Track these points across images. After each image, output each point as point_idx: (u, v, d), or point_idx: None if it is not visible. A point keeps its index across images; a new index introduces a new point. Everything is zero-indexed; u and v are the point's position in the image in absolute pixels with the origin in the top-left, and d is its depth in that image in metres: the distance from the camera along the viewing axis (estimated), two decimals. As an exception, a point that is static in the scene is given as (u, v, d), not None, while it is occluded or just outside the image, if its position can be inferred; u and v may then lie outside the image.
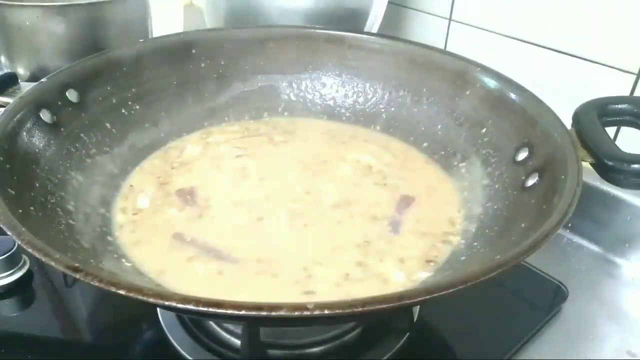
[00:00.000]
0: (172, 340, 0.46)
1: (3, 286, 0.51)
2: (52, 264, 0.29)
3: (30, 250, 0.30)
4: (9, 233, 0.32)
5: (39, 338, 0.49)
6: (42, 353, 0.47)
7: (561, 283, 0.54)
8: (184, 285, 0.40)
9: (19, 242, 0.31)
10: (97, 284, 0.28)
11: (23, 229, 0.32)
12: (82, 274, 0.28)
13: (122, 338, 0.49)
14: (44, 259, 0.29)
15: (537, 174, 0.44)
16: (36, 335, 0.49)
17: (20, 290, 0.52)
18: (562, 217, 0.34)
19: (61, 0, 0.69)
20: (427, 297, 0.26)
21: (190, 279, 0.41)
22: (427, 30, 0.78)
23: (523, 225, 0.40)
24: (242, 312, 0.26)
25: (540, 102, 0.48)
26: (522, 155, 0.47)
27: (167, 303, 0.27)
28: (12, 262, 0.52)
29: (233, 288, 0.40)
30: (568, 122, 0.46)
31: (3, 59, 0.72)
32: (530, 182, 0.44)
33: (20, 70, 0.71)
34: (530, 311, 0.52)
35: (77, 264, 0.29)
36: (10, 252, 0.51)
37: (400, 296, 0.26)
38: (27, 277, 0.53)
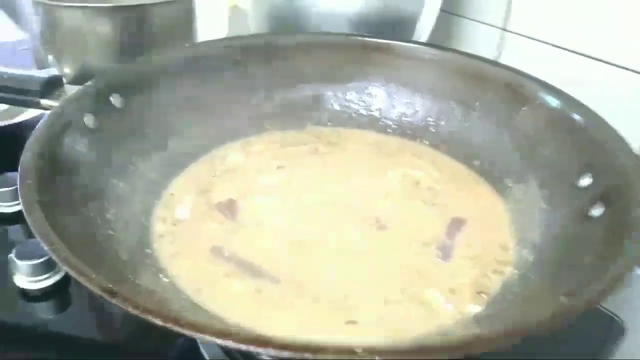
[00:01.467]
0: (203, 351, 0.44)
1: (40, 289, 0.51)
2: (87, 285, 0.28)
3: (65, 268, 0.29)
4: (45, 247, 0.31)
5: (74, 340, 0.48)
6: (77, 354, 0.46)
7: (617, 316, 0.50)
8: (222, 304, 0.38)
9: (55, 259, 0.30)
10: (133, 310, 0.26)
11: (61, 244, 0.31)
12: (118, 299, 0.27)
13: (155, 343, 0.47)
14: (79, 279, 0.28)
15: (602, 204, 0.41)
16: (72, 337, 0.48)
17: (57, 293, 0.52)
18: (634, 261, 0.31)
19: (109, 1, 0.68)
20: (493, 345, 0.24)
21: (228, 297, 0.39)
22: (479, 40, 0.75)
23: (587, 261, 0.36)
24: (286, 353, 0.24)
25: (605, 124, 0.45)
26: (585, 180, 0.44)
27: (203, 336, 0.25)
28: (48, 265, 0.51)
29: (271, 310, 0.38)
30: (636, 146, 0.42)
31: (50, 58, 0.73)
32: (595, 211, 0.41)
33: (67, 70, 0.71)
34: (579, 347, 0.48)
35: (112, 287, 0.27)
36: (48, 255, 0.50)
37: (461, 345, 0.24)
38: (64, 281, 0.52)
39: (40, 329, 0.49)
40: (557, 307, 0.28)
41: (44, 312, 0.51)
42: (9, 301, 0.51)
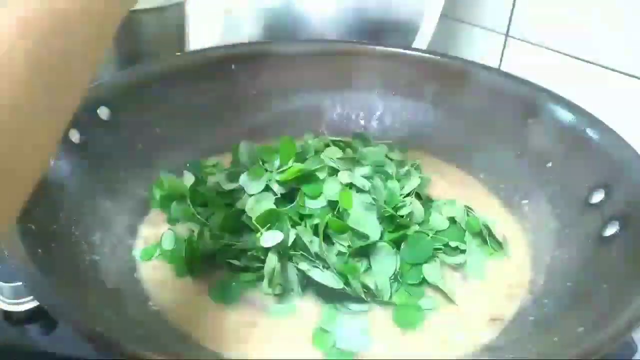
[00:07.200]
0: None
1: (24, 312, 0.48)
2: (70, 327, 0.25)
3: (46, 308, 0.26)
4: (24, 284, 0.28)
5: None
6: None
7: (629, 335, 0.48)
8: (212, 337, 0.35)
9: (35, 298, 0.27)
10: (119, 358, 0.24)
11: (42, 278, 0.28)
12: (101, 342, 0.24)
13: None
14: (60, 320, 0.26)
15: (617, 222, 0.39)
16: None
17: (43, 315, 0.48)
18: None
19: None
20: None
21: (219, 328, 0.37)
22: (480, 45, 0.72)
23: (605, 286, 0.34)
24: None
25: (618, 138, 0.43)
26: (597, 197, 0.42)
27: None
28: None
29: (265, 343, 0.36)
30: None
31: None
32: (609, 231, 0.39)
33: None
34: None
35: (98, 329, 0.25)
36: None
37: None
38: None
39: (26, 353, 0.46)
40: (579, 346, 0.25)
41: (29, 334, 0.48)
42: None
